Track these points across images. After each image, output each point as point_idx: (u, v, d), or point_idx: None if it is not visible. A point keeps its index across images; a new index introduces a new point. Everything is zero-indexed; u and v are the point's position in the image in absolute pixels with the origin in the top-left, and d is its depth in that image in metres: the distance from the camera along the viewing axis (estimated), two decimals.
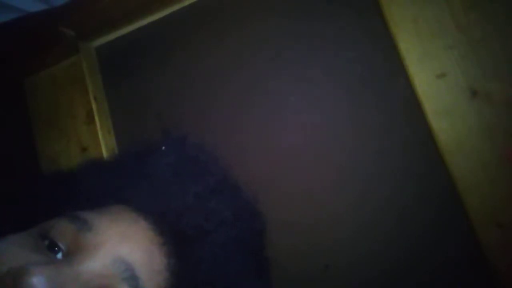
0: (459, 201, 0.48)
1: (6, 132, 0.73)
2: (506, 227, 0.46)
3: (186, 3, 0.65)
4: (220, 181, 0.41)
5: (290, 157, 0.58)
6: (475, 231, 0.48)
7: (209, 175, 0.41)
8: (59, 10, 0.62)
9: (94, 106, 0.66)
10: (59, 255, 0.30)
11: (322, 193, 0.56)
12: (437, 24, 0.50)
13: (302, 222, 0.56)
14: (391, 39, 0.52)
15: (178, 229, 0.35)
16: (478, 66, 0.48)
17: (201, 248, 0.36)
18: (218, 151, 0.42)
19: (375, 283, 0.52)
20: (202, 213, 0.37)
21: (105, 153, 0.65)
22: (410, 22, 0.51)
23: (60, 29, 0.65)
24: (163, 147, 0.42)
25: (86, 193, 0.37)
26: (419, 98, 0.51)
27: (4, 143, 0.73)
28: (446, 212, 0.50)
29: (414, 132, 0.52)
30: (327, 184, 0.56)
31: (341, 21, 0.56)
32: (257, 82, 0.60)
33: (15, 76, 0.72)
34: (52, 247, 0.31)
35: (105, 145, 0.65)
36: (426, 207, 0.51)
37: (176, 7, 0.65)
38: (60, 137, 0.68)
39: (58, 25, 0.64)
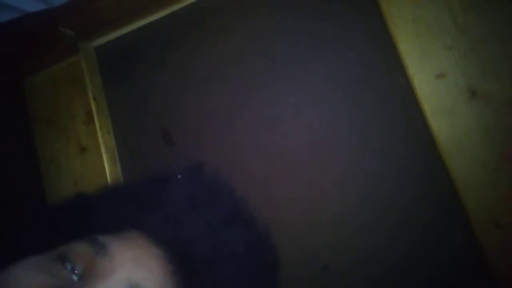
0: (459, 201, 0.48)
1: (5, 132, 0.73)
2: (506, 227, 0.46)
3: (185, 3, 0.65)
4: (233, 212, 0.42)
5: (289, 157, 0.58)
6: (475, 231, 0.48)
7: (223, 206, 0.42)
8: (59, 10, 0.62)
9: (93, 106, 0.66)
10: (75, 278, 0.31)
11: (322, 194, 0.56)
12: (436, 24, 0.50)
13: (301, 223, 0.56)
14: (390, 40, 0.53)
15: (189, 259, 0.36)
16: (478, 66, 0.49)
17: (210, 280, 0.37)
18: (233, 182, 0.43)
19: (375, 283, 0.52)
20: (213, 244, 0.38)
21: (104, 153, 0.65)
22: (410, 22, 0.51)
23: (60, 29, 0.65)
24: (179, 176, 0.42)
25: (104, 219, 0.38)
26: (419, 98, 0.51)
27: (3, 142, 0.73)
28: (446, 212, 0.50)
29: (413, 132, 0.52)
30: (327, 185, 0.56)
31: (341, 21, 0.56)
32: (256, 82, 0.60)
33: (15, 76, 0.72)
34: (68, 269, 0.31)
35: (104, 145, 0.65)
36: (426, 207, 0.51)
37: (175, 7, 0.65)
38: (59, 136, 0.68)
39: (58, 25, 0.64)
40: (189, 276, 0.35)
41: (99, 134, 0.65)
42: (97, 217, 0.38)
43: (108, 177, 0.64)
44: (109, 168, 0.64)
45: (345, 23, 0.56)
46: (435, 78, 0.50)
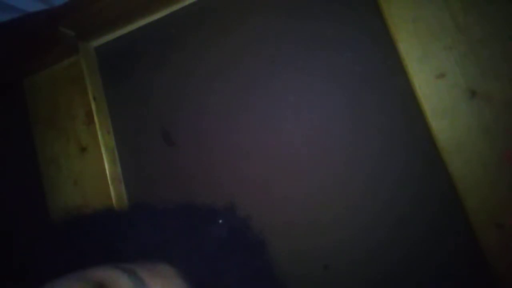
0: (459, 201, 0.48)
1: (5, 132, 0.73)
2: (506, 228, 0.46)
3: (186, 3, 0.65)
4: (261, 269, 0.42)
5: (289, 157, 0.58)
6: (475, 231, 0.47)
7: (252, 260, 0.42)
8: (59, 10, 0.62)
9: (93, 106, 0.66)
10: None
11: (321, 194, 0.56)
12: (436, 24, 0.50)
13: (301, 223, 0.56)
14: (390, 40, 0.53)
15: None
16: (478, 66, 0.49)
17: None
18: (264, 233, 0.43)
19: (375, 284, 0.52)
20: (237, 283, 0.39)
21: (104, 153, 0.65)
22: (410, 22, 0.51)
23: (60, 29, 0.65)
24: (220, 221, 0.43)
25: (136, 246, 0.38)
26: (419, 98, 0.51)
27: (3, 143, 0.73)
28: (445, 213, 0.50)
29: (413, 132, 0.52)
30: (327, 185, 0.56)
31: (341, 21, 0.56)
32: (256, 82, 0.60)
33: (15, 76, 0.72)
34: None
35: (104, 145, 0.65)
36: (425, 207, 0.51)
37: (176, 7, 0.65)
38: (59, 137, 0.68)
39: (58, 25, 0.64)
40: None
41: (99, 134, 0.65)
42: (130, 243, 0.37)
43: (108, 177, 0.64)
44: (109, 168, 0.64)
45: (345, 23, 0.56)
46: (435, 78, 0.50)
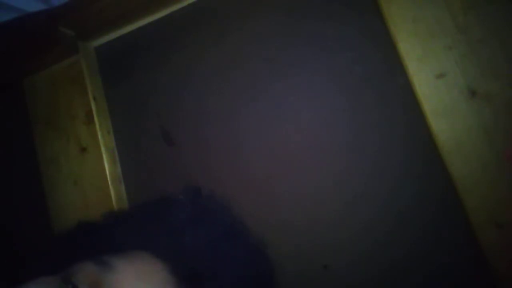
0: (459, 201, 0.48)
1: (5, 132, 0.73)
2: (506, 228, 0.46)
3: (186, 3, 0.65)
4: (229, 228, 0.44)
5: (289, 157, 0.58)
6: (475, 231, 0.48)
7: (220, 223, 0.44)
8: (59, 10, 0.62)
9: (93, 106, 0.66)
10: None
11: (321, 193, 0.56)
12: (436, 24, 0.50)
13: (301, 223, 0.56)
14: (390, 39, 0.53)
15: (192, 270, 0.38)
16: (478, 66, 0.49)
17: (211, 286, 0.38)
18: (229, 201, 0.44)
19: (374, 283, 0.52)
20: (214, 255, 0.40)
21: (104, 153, 0.65)
22: (410, 22, 0.51)
23: (60, 29, 0.65)
24: (181, 197, 0.44)
25: (108, 242, 0.40)
26: (419, 98, 0.51)
27: (3, 143, 0.73)
28: (445, 212, 0.50)
29: (413, 132, 0.52)
30: (326, 184, 0.56)
31: (341, 21, 0.56)
32: (256, 82, 0.60)
33: (15, 76, 0.72)
34: None
35: (104, 145, 0.65)
36: (425, 207, 0.51)
37: (176, 7, 0.65)
38: (59, 137, 0.68)
39: (58, 25, 0.64)
40: (192, 285, 0.37)
41: (99, 134, 0.65)
42: (103, 242, 0.40)
43: (108, 177, 0.64)
44: (109, 168, 0.64)
45: (345, 23, 0.56)
46: (435, 78, 0.50)
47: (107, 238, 0.41)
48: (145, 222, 0.42)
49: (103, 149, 0.65)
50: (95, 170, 0.65)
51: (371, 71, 0.55)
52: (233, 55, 0.62)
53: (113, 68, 0.69)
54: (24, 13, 0.60)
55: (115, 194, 0.64)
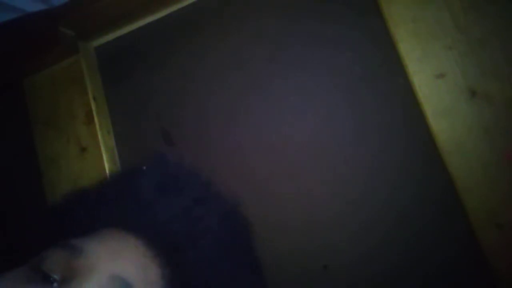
0: (459, 201, 0.48)
1: (5, 132, 0.73)
2: (506, 228, 0.46)
3: (186, 3, 0.65)
4: (201, 192, 0.43)
5: (289, 157, 0.58)
6: (475, 231, 0.48)
7: (191, 188, 0.42)
8: (59, 10, 0.62)
9: (93, 106, 0.66)
10: (55, 285, 0.31)
11: (321, 193, 0.56)
12: (436, 24, 0.50)
13: (301, 223, 0.56)
14: (390, 39, 0.53)
15: (168, 239, 0.37)
16: (478, 66, 0.49)
17: (192, 254, 0.37)
18: (197, 166, 0.44)
19: (374, 284, 0.52)
20: (188, 222, 0.39)
21: (104, 153, 0.65)
22: (410, 22, 0.51)
23: (60, 29, 0.65)
24: (144, 167, 0.43)
25: (74, 223, 0.39)
26: (419, 98, 0.51)
27: (3, 143, 0.73)
28: (446, 213, 0.50)
29: (413, 132, 0.52)
30: (326, 184, 0.56)
31: (341, 21, 0.56)
32: (256, 82, 0.60)
33: (15, 76, 0.72)
34: (47, 279, 0.31)
35: (104, 145, 0.65)
36: (425, 207, 0.51)
37: (176, 7, 0.65)
38: (59, 137, 0.68)
39: (58, 25, 0.64)
40: (171, 255, 0.36)
41: (99, 134, 0.65)
42: (68, 223, 0.38)
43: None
44: (109, 168, 0.64)
45: (345, 23, 0.56)
46: (435, 78, 0.50)
47: (71, 219, 0.39)
48: (110, 198, 0.40)
49: (103, 149, 0.65)
50: (95, 170, 0.65)
51: (371, 71, 0.55)
52: (233, 55, 0.62)
53: (113, 68, 0.69)
54: (24, 13, 0.60)
55: None
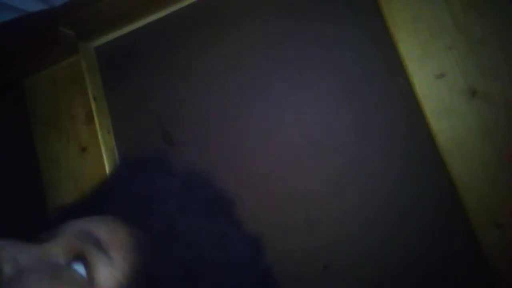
0: (459, 201, 0.48)
1: (5, 132, 0.73)
2: (506, 227, 0.46)
3: (186, 3, 0.65)
4: (185, 181, 0.43)
5: (289, 157, 0.58)
6: (475, 231, 0.47)
7: (174, 178, 0.43)
8: (59, 10, 0.62)
9: (93, 106, 0.66)
10: None
11: (322, 193, 0.56)
12: (436, 24, 0.50)
13: (301, 223, 0.56)
14: (390, 39, 0.53)
15: (131, 207, 0.38)
16: (478, 66, 0.49)
17: (156, 210, 0.37)
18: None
19: (375, 284, 0.52)
20: (150, 188, 0.40)
21: (104, 153, 0.65)
22: (410, 22, 0.51)
23: (60, 29, 0.65)
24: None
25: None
26: (419, 98, 0.51)
27: (3, 143, 0.73)
28: (445, 213, 0.50)
29: (413, 132, 0.52)
30: (326, 184, 0.56)
31: (341, 21, 0.56)
32: (256, 82, 0.60)
33: (15, 76, 0.72)
34: None
35: (104, 145, 0.65)
36: (425, 207, 0.51)
37: (175, 7, 0.65)
38: (60, 137, 0.68)
39: (58, 25, 0.64)
40: (139, 223, 0.36)
41: (99, 134, 0.65)
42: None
43: None
44: (109, 168, 0.64)
45: (345, 23, 0.56)
46: (435, 78, 0.50)
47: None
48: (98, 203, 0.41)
49: (103, 149, 0.65)
50: (95, 170, 0.65)
51: (371, 71, 0.55)
52: (233, 55, 0.62)
53: (113, 68, 0.69)
54: (24, 13, 0.60)
55: None
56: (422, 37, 0.51)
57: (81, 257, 0.31)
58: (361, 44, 0.55)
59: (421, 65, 0.51)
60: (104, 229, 0.34)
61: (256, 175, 0.59)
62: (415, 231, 0.51)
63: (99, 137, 0.65)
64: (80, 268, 0.31)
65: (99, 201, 0.41)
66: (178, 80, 0.64)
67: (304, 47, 0.58)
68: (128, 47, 0.68)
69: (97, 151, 0.65)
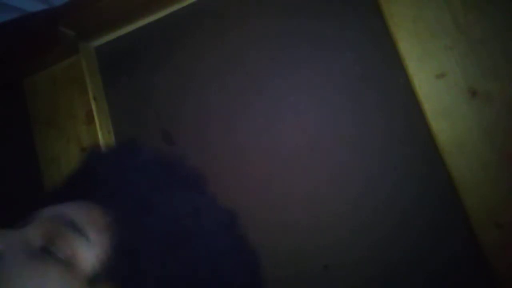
0: (459, 201, 0.48)
1: (5, 132, 0.73)
2: (506, 227, 0.46)
3: (186, 3, 0.65)
4: (165, 168, 0.43)
5: (289, 157, 0.58)
6: (475, 231, 0.48)
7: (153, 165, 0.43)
8: (59, 10, 0.62)
9: (93, 106, 0.66)
10: None
11: (322, 194, 0.56)
12: (436, 24, 0.50)
13: (301, 223, 0.56)
14: (391, 39, 0.53)
15: (110, 190, 0.37)
16: (478, 66, 0.48)
17: (128, 192, 0.37)
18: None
19: (375, 283, 0.52)
20: (142, 182, 0.39)
21: None
22: (410, 22, 0.51)
23: (60, 29, 0.65)
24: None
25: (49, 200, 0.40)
26: (419, 98, 0.51)
27: (3, 143, 0.73)
28: (446, 212, 0.50)
29: (413, 132, 0.52)
30: (327, 184, 0.56)
31: (341, 21, 0.56)
32: (256, 82, 0.60)
33: (15, 76, 0.72)
34: None
35: (104, 145, 0.65)
36: (426, 207, 0.51)
37: (176, 7, 0.65)
38: (60, 137, 0.68)
39: (58, 25, 0.64)
40: (112, 199, 0.36)
41: (99, 134, 0.65)
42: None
43: None
44: None
45: (345, 23, 0.56)
46: (435, 78, 0.50)
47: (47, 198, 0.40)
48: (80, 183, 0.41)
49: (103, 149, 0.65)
50: None
51: (371, 71, 0.55)
52: (232, 55, 0.62)
53: (113, 68, 0.69)
54: (24, 13, 0.60)
55: None
56: (422, 37, 0.51)
57: (57, 239, 0.31)
58: (361, 44, 0.55)
59: (421, 65, 0.51)
60: (78, 211, 0.34)
61: (256, 174, 0.59)
62: (415, 231, 0.51)
63: (99, 137, 0.65)
64: (57, 251, 0.31)
65: (73, 187, 0.41)
66: (178, 80, 0.64)
67: (304, 47, 0.58)
68: (128, 47, 0.68)
69: None
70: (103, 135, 0.66)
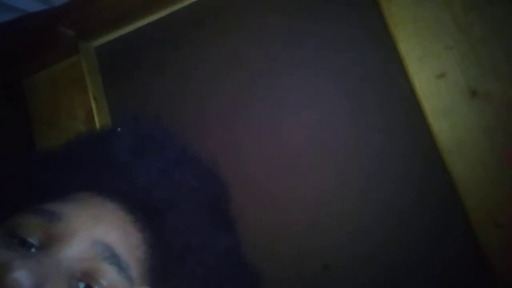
0: (459, 201, 0.48)
1: (5, 132, 0.73)
2: (506, 227, 0.46)
3: (186, 3, 0.65)
4: (180, 154, 0.42)
5: (289, 158, 0.58)
6: (475, 231, 0.48)
7: (169, 150, 0.42)
8: (59, 10, 0.62)
9: (93, 106, 0.66)
10: (33, 250, 0.30)
11: (322, 194, 0.56)
12: (437, 24, 0.50)
13: (301, 223, 0.56)
14: (391, 39, 0.52)
15: (148, 204, 0.36)
16: (478, 66, 0.48)
17: (172, 217, 0.37)
18: (176, 127, 0.43)
19: (375, 284, 0.52)
20: (168, 185, 0.38)
21: None
22: (410, 22, 0.51)
23: (60, 29, 0.65)
24: (118, 129, 0.42)
25: (44, 185, 0.37)
26: (419, 98, 0.51)
27: (3, 143, 0.73)
28: (446, 212, 0.50)
29: (414, 132, 0.52)
30: (327, 184, 0.56)
31: (341, 21, 0.56)
32: (256, 82, 0.60)
33: (15, 76, 0.72)
34: (23, 244, 0.30)
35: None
36: (425, 207, 0.51)
37: (176, 7, 0.65)
38: (60, 137, 0.68)
39: (58, 25, 0.64)
40: (152, 219, 0.35)
41: None
42: (38, 185, 0.37)
43: None
44: None
45: (345, 23, 0.56)
46: (435, 78, 0.50)
47: (41, 181, 0.37)
48: (82, 160, 0.39)
49: None
50: None
51: (371, 71, 0.55)
52: (233, 55, 0.62)
53: (113, 68, 0.69)
54: (24, 13, 0.60)
55: None
56: (423, 37, 0.51)
57: (100, 278, 0.29)
58: (361, 44, 0.55)
59: (421, 65, 0.51)
60: (119, 236, 0.32)
61: (256, 174, 0.59)
62: (415, 231, 0.51)
63: None
64: None
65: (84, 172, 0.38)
66: (178, 80, 0.64)
67: (304, 47, 0.58)
68: (128, 47, 0.68)
69: None
70: None
